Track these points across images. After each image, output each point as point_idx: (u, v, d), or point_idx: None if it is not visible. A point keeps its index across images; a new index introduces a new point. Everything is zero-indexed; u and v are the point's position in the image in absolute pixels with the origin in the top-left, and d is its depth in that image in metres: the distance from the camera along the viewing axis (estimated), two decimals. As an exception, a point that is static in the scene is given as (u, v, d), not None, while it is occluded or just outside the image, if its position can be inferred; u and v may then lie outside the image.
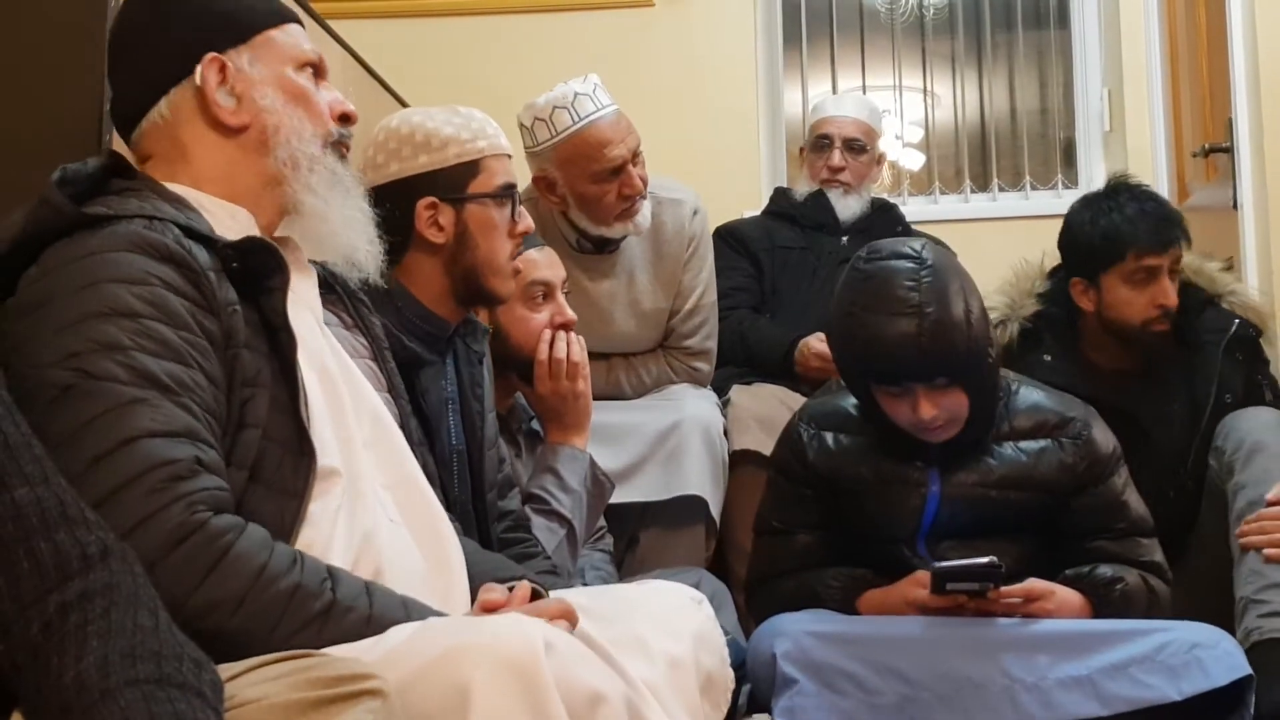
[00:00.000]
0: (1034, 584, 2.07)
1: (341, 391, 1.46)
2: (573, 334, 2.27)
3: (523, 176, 2.32)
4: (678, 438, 2.64)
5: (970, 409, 2.09)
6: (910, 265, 2.03)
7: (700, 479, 2.61)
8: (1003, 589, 2.04)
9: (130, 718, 0.92)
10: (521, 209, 2.00)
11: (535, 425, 2.41)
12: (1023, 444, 2.16)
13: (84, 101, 1.70)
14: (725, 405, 2.83)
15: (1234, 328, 2.60)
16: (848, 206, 3.23)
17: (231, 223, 1.43)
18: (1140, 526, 2.19)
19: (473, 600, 1.52)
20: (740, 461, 2.73)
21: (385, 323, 1.86)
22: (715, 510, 2.64)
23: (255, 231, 1.45)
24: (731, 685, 1.63)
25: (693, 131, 3.87)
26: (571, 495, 2.24)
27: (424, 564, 1.47)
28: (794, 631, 2.01)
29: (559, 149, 2.62)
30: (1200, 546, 2.46)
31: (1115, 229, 2.54)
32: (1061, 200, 4.15)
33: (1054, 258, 2.75)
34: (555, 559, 2.12)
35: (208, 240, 1.36)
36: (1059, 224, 2.78)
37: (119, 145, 1.66)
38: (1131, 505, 2.19)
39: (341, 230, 1.52)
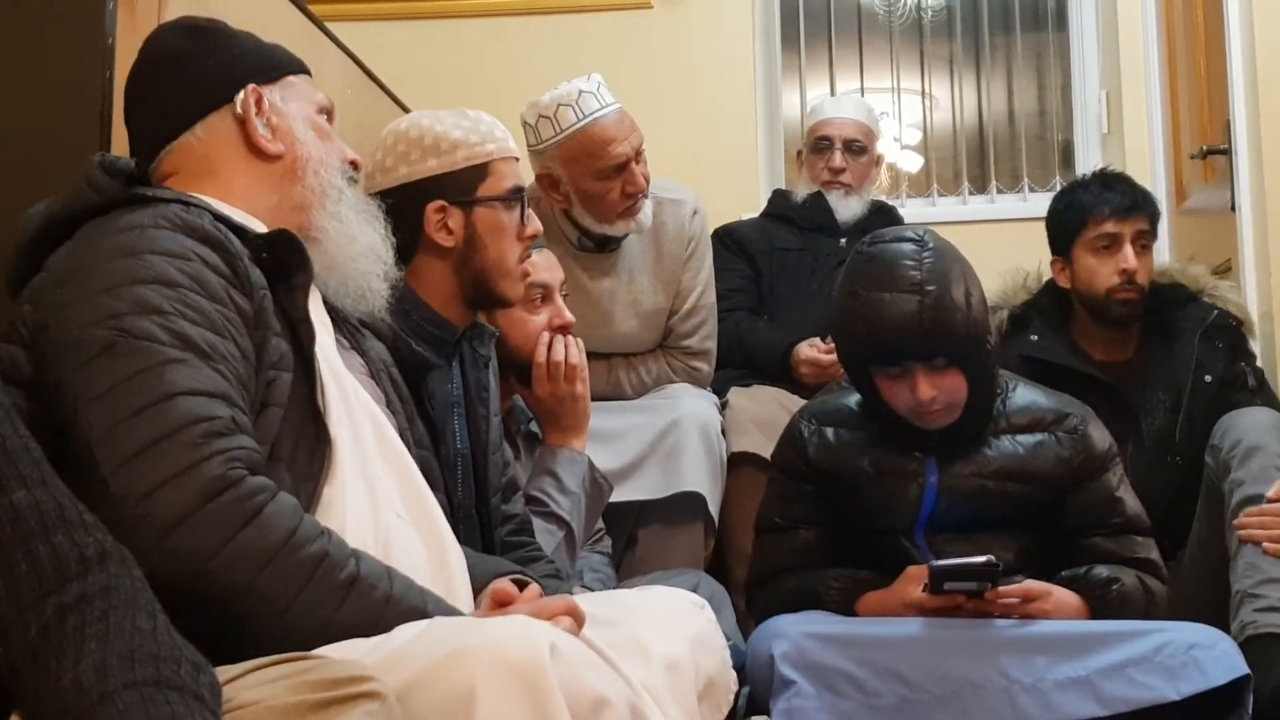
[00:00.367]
0: (1031, 585, 2.08)
1: (349, 390, 1.49)
2: (571, 336, 2.27)
3: (525, 175, 2.31)
4: (675, 435, 2.64)
5: (968, 396, 2.11)
6: (913, 247, 2.08)
7: (698, 476, 2.62)
8: (1000, 589, 2.04)
9: (128, 720, 0.92)
10: (530, 212, 2.01)
11: (534, 427, 2.41)
12: (1020, 437, 2.19)
13: (84, 102, 1.70)
14: (724, 407, 2.83)
15: (1212, 316, 2.71)
16: (849, 208, 3.23)
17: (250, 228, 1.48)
18: (1135, 524, 2.21)
19: (474, 599, 1.53)
20: (738, 463, 2.73)
21: (393, 326, 1.86)
22: (714, 508, 2.65)
23: None
24: (734, 688, 1.64)
25: (691, 133, 3.87)
26: (570, 497, 2.24)
27: (427, 560, 1.47)
28: (792, 633, 2.01)
29: (563, 146, 2.64)
30: (1197, 542, 2.48)
31: (1079, 200, 2.73)
32: (1060, 202, 4.16)
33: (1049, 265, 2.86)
34: (554, 561, 2.12)
35: (238, 230, 1.41)
36: (1058, 226, 2.82)
37: (119, 146, 1.67)
38: (1127, 503, 2.21)
39: (361, 258, 1.58)
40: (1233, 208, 3.26)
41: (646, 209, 2.74)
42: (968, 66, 4.51)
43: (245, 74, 1.54)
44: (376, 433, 1.51)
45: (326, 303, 1.64)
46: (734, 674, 1.66)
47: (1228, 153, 3.29)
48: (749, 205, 3.61)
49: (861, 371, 2.16)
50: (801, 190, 3.29)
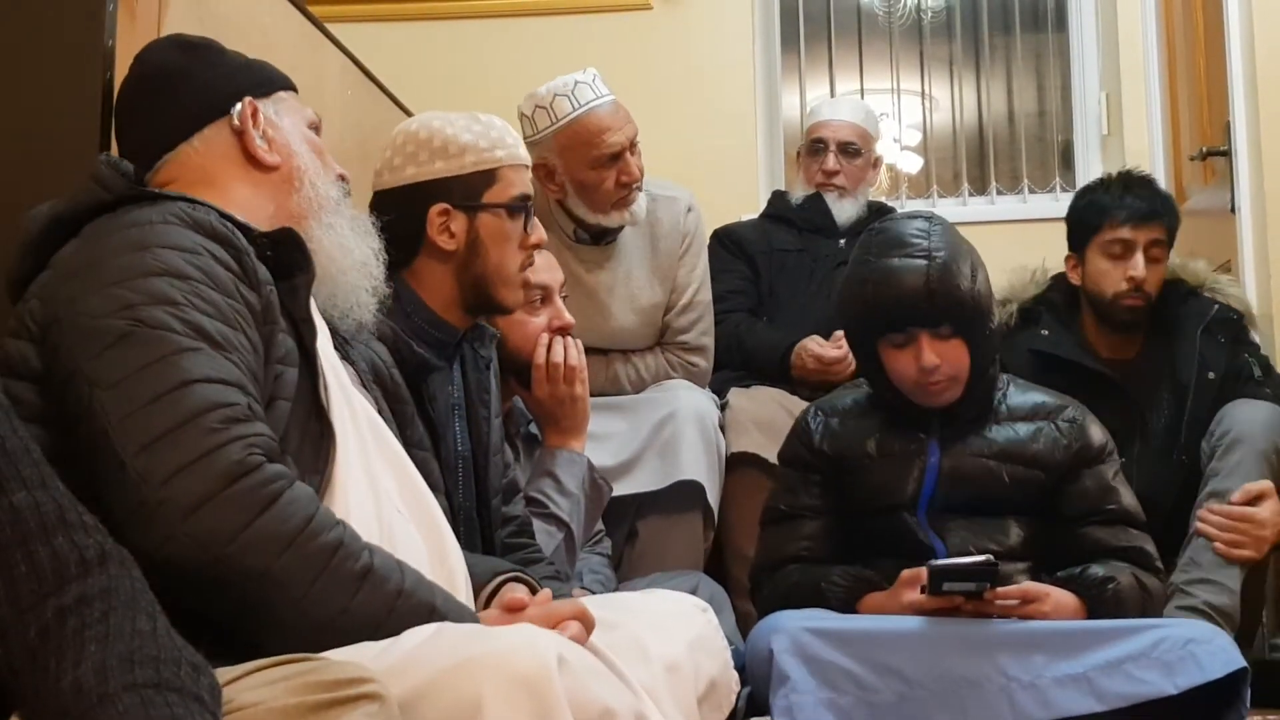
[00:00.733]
0: (1030, 586, 2.09)
1: (349, 388, 1.51)
2: (570, 338, 2.27)
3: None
4: (672, 427, 2.65)
5: (970, 373, 2.16)
6: (922, 222, 2.20)
7: (696, 465, 2.63)
8: (999, 589, 2.05)
9: (128, 722, 0.92)
10: (535, 221, 2.00)
11: (533, 429, 2.41)
12: (1019, 425, 2.25)
13: (84, 103, 1.70)
14: (724, 408, 2.83)
15: (1213, 311, 2.71)
16: (844, 210, 3.24)
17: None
18: (1131, 517, 2.23)
19: (474, 599, 1.54)
20: (738, 464, 2.74)
21: (393, 327, 1.87)
22: (712, 497, 2.66)
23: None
24: (736, 689, 1.64)
25: (691, 134, 3.88)
26: (569, 498, 2.24)
27: (428, 556, 1.47)
28: (792, 628, 2.02)
29: (559, 135, 2.67)
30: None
31: (1098, 201, 2.73)
32: (1059, 203, 4.15)
33: (1056, 263, 2.85)
34: (554, 562, 2.12)
35: (242, 228, 1.43)
36: (1057, 227, 2.83)
37: (118, 150, 1.67)
38: (1122, 494, 2.24)
39: (352, 270, 1.59)
40: (1232, 209, 3.27)
41: (641, 201, 2.76)
42: (967, 67, 4.51)
43: (241, 87, 1.57)
44: (374, 432, 1.52)
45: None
46: (736, 675, 1.66)
47: (1227, 154, 3.30)
48: (749, 206, 3.61)
49: (868, 345, 2.21)
50: (798, 192, 3.30)
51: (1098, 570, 2.14)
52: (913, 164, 5.01)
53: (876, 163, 3.37)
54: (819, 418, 2.31)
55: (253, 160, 1.55)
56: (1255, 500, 2.43)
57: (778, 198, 3.38)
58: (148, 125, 1.56)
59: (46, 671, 0.96)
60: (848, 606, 2.17)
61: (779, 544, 2.29)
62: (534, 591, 1.50)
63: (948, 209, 4.31)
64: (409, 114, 3.00)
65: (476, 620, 1.35)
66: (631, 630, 1.44)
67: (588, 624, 1.34)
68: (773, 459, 2.49)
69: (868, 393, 2.32)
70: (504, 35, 4.00)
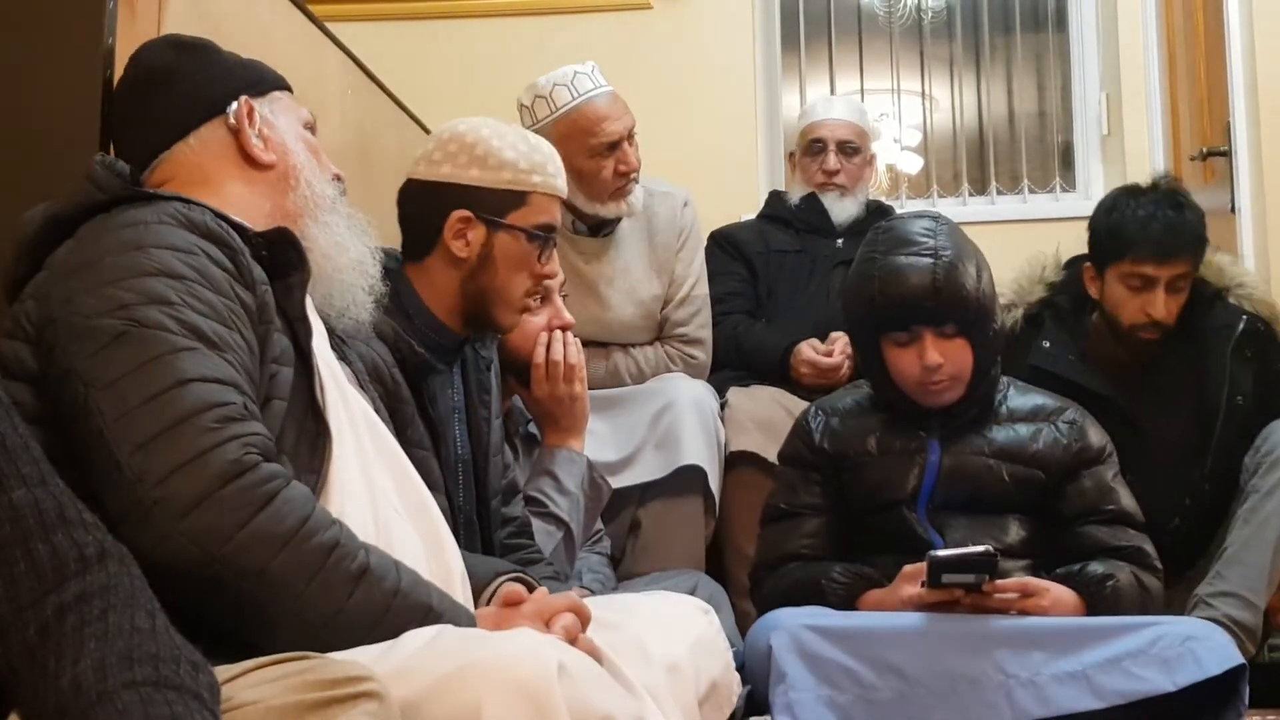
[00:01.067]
0: (1029, 580, 2.09)
1: (345, 390, 1.50)
2: (569, 335, 2.27)
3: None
4: (671, 415, 2.67)
5: (972, 373, 2.17)
6: (929, 221, 2.22)
7: (696, 451, 2.64)
8: (998, 582, 2.05)
9: (127, 720, 0.92)
10: (552, 253, 2.00)
11: (532, 428, 2.41)
12: (1019, 426, 2.26)
13: (84, 102, 1.70)
14: (723, 407, 2.84)
15: (1242, 324, 2.55)
16: (844, 209, 3.23)
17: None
18: (1129, 517, 2.24)
19: (474, 599, 1.53)
20: (738, 463, 2.74)
21: (395, 326, 1.87)
22: (714, 484, 2.66)
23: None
24: (737, 690, 1.64)
25: (691, 134, 3.88)
26: (569, 498, 2.25)
27: (425, 555, 1.47)
28: (791, 625, 2.02)
29: (558, 124, 2.70)
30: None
31: (1121, 228, 2.52)
32: (1059, 204, 4.17)
33: (1068, 252, 2.74)
34: (553, 562, 2.12)
35: (237, 228, 1.43)
36: (1057, 227, 2.80)
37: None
38: (1121, 495, 2.25)
39: (347, 269, 1.58)
40: (1233, 209, 3.27)
41: (637, 193, 2.80)
42: (968, 68, 4.51)
43: (236, 86, 1.57)
44: (371, 431, 1.52)
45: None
46: (738, 677, 1.66)
47: (1227, 154, 3.30)
48: (748, 206, 3.61)
49: (871, 342, 2.22)
50: (796, 192, 3.29)
51: (1097, 568, 2.15)
52: (913, 164, 5.01)
53: (872, 160, 3.37)
54: (819, 417, 2.32)
55: (248, 159, 1.55)
56: None
57: (775, 198, 3.38)
58: (143, 125, 1.56)
59: (46, 669, 0.96)
60: (848, 604, 2.17)
61: (779, 542, 2.29)
62: (532, 591, 1.50)
63: (948, 209, 4.30)
64: (409, 113, 3.01)
65: (473, 620, 1.35)
66: (633, 631, 1.44)
67: (582, 616, 1.34)
68: (772, 458, 2.49)
69: (868, 393, 2.33)
70: (504, 34, 4.00)
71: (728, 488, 2.73)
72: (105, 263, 1.31)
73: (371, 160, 2.67)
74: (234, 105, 1.55)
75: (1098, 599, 2.12)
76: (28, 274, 1.38)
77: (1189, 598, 2.41)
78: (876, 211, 3.27)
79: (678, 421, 2.65)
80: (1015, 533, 2.20)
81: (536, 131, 2.67)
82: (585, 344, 2.33)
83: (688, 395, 2.70)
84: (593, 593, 2.23)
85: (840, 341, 2.90)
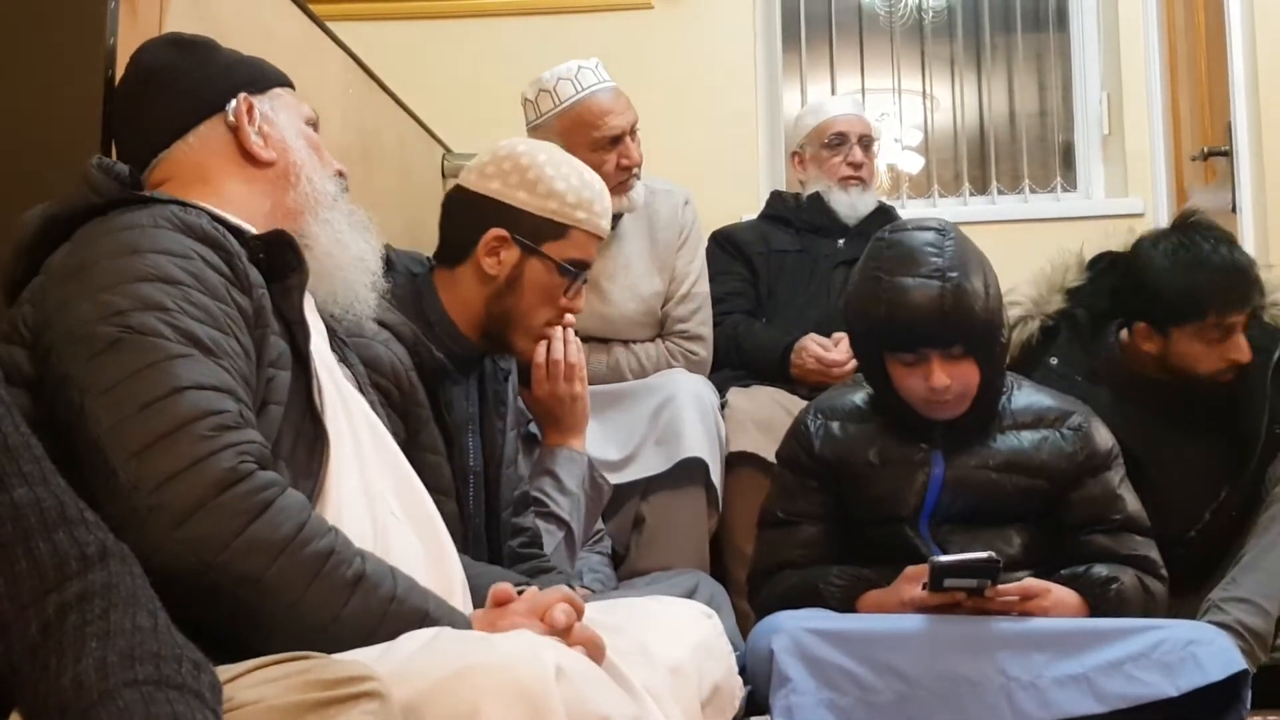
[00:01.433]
0: (1030, 583, 2.09)
1: (345, 392, 1.50)
2: (570, 333, 2.27)
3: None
4: (672, 410, 2.67)
5: (978, 387, 2.13)
6: (935, 235, 2.12)
7: (697, 444, 2.64)
8: (1000, 586, 2.05)
9: (128, 719, 0.92)
10: (580, 288, 2.01)
11: (533, 428, 2.41)
12: (1024, 433, 2.21)
13: (85, 102, 1.70)
14: (723, 407, 2.84)
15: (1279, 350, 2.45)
16: (865, 203, 3.25)
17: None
18: (1135, 524, 2.22)
19: (472, 603, 1.53)
20: (738, 463, 2.75)
21: (414, 330, 1.87)
22: (715, 476, 2.66)
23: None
24: (740, 694, 1.64)
25: (692, 134, 3.88)
26: (570, 497, 2.25)
27: (424, 560, 1.47)
28: (792, 628, 2.02)
29: (561, 118, 2.74)
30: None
31: (1198, 288, 2.38)
32: (1060, 203, 4.17)
33: (1093, 249, 2.65)
34: (553, 561, 2.13)
35: (234, 230, 1.42)
36: (1058, 226, 2.78)
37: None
38: (1127, 501, 2.22)
39: (349, 267, 1.58)
40: (1234, 209, 3.27)
41: (639, 189, 2.82)
42: (968, 67, 4.51)
43: (236, 84, 1.57)
44: (372, 434, 1.52)
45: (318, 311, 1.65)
46: (740, 680, 1.66)
47: (1229, 154, 3.30)
48: (750, 205, 3.61)
49: (874, 358, 2.18)
50: (811, 188, 3.29)
51: (1101, 570, 2.14)
52: (914, 164, 5.01)
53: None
54: (818, 420, 2.28)
55: (248, 156, 1.54)
56: None
57: (776, 198, 3.38)
58: (143, 124, 1.56)
59: (47, 668, 0.96)
60: (846, 606, 2.17)
61: (776, 549, 2.28)
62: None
63: (948, 209, 4.31)
64: (410, 113, 3.01)
65: (469, 625, 1.35)
66: (635, 634, 1.43)
67: (575, 608, 1.33)
68: (772, 458, 2.49)
69: (868, 393, 2.29)
70: (505, 34, 4.00)
71: (728, 488, 2.73)
72: (101, 267, 1.30)
73: (373, 160, 2.67)
74: (233, 103, 1.55)
75: (1100, 601, 2.11)
76: (26, 276, 1.38)
77: (1201, 602, 2.37)
78: (877, 211, 3.27)
79: (678, 416, 2.66)
80: (1018, 543, 2.18)
81: (539, 125, 2.71)
82: (586, 339, 2.33)
83: (688, 390, 2.71)
84: (594, 593, 2.24)
85: (845, 341, 2.90)
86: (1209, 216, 2.59)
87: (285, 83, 1.65)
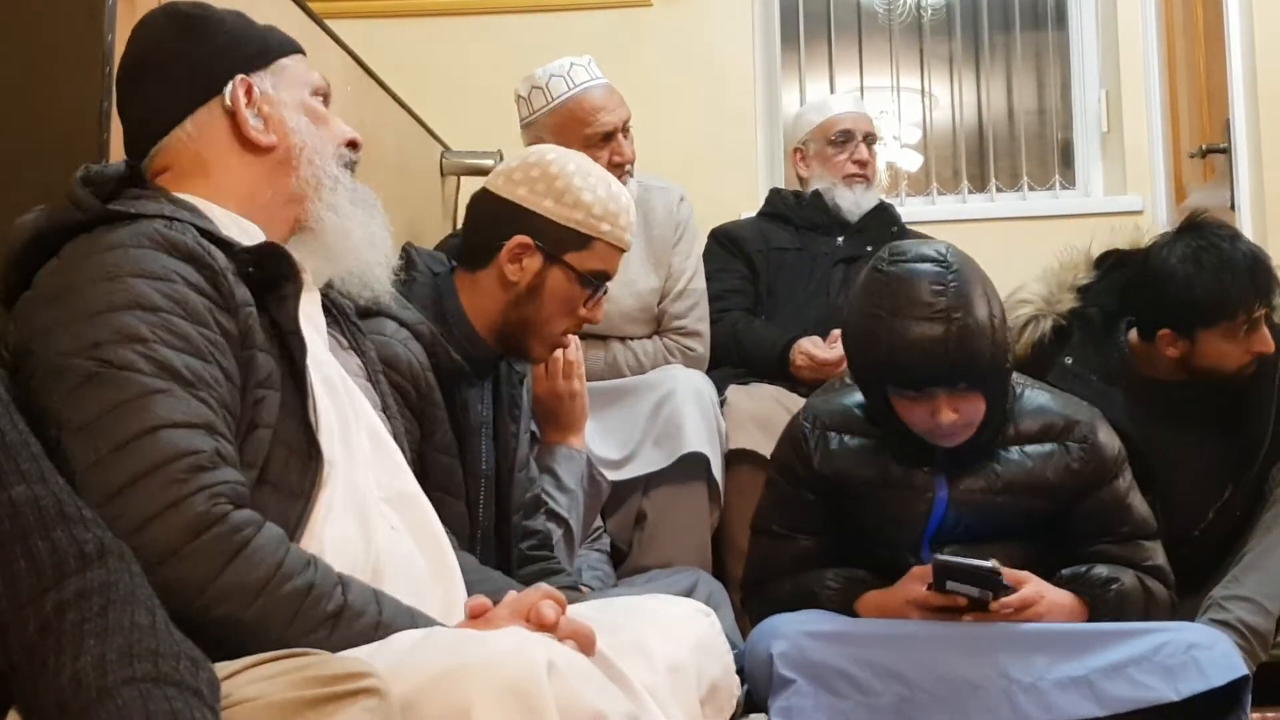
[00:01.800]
0: (1026, 594, 2.07)
1: (344, 403, 1.47)
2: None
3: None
4: (672, 405, 2.67)
5: (985, 414, 2.07)
6: (936, 269, 2.01)
7: (697, 438, 2.64)
8: (1002, 600, 2.03)
9: (127, 716, 0.92)
10: (600, 300, 2.01)
11: (532, 426, 2.41)
12: (1029, 448, 2.15)
13: (84, 101, 1.69)
14: (722, 405, 2.84)
15: None
16: (869, 200, 3.24)
17: (240, 236, 1.45)
18: (1143, 529, 2.19)
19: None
20: (737, 461, 2.74)
21: (433, 330, 1.87)
22: (716, 470, 2.66)
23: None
24: (737, 693, 1.63)
25: (691, 131, 3.88)
26: (568, 495, 2.24)
27: (427, 572, 1.46)
28: (791, 632, 2.01)
29: (553, 114, 2.74)
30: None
31: (1229, 291, 2.38)
32: (1059, 201, 4.17)
33: (1100, 245, 2.65)
34: (573, 574, 2.13)
35: (224, 244, 1.38)
36: (1057, 224, 2.77)
37: (117, 146, 1.67)
38: (1135, 508, 2.19)
39: (361, 247, 1.54)
40: (1232, 206, 3.27)
41: (631, 186, 2.81)
42: (967, 65, 4.50)
43: (233, 64, 1.50)
44: (374, 442, 1.50)
45: (327, 299, 1.63)
46: (737, 679, 1.66)
47: (1227, 152, 3.30)
48: (749, 203, 3.61)
49: (877, 389, 2.10)
50: (814, 185, 3.28)
51: (1102, 570, 2.13)
52: (912, 162, 5.00)
53: (874, 154, 3.40)
54: (816, 430, 2.20)
55: (247, 143, 1.49)
56: None
57: (775, 196, 3.37)
58: (142, 108, 1.52)
59: (46, 665, 0.96)
60: (844, 608, 2.15)
61: (770, 560, 2.25)
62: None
63: (947, 206, 4.31)
64: (409, 111, 3.01)
65: None
66: (634, 632, 1.43)
67: (559, 604, 1.32)
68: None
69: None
70: (504, 31, 4.00)
71: (727, 485, 2.73)
72: (79, 293, 1.28)
73: (371, 157, 2.65)
74: (229, 86, 1.49)
75: (1100, 602, 2.10)
76: (20, 286, 1.35)
77: (1203, 600, 2.37)
78: (877, 209, 3.26)
79: (678, 411, 2.65)
80: (1021, 560, 2.12)
81: (532, 122, 2.72)
82: (583, 336, 2.33)
83: (687, 385, 2.71)
84: (592, 590, 2.24)
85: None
86: (1212, 214, 2.59)
87: (291, 50, 1.58)
